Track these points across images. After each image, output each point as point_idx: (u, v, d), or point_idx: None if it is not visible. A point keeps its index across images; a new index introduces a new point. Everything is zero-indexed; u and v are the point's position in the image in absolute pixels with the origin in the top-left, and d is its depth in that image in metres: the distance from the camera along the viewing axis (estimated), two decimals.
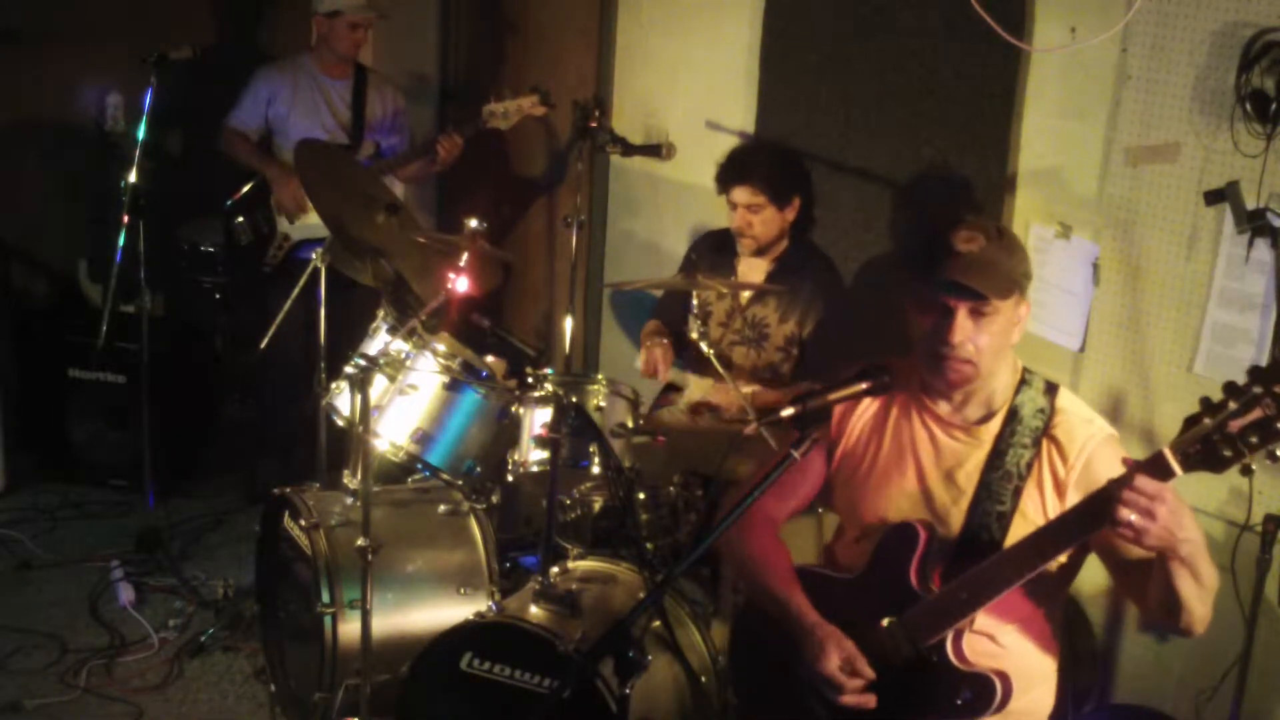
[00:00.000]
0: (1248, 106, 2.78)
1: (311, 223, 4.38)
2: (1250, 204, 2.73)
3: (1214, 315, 2.91)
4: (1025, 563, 2.02)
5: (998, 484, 2.18)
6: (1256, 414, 1.77)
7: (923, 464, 2.28)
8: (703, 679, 2.81)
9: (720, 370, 3.21)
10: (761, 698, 2.43)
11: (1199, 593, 1.97)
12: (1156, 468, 1.86)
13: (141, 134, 4.16)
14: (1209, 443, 1.81)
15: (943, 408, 2.28)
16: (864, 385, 2.19)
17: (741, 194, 3.57)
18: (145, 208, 4.22)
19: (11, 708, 3.27)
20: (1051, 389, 2.24)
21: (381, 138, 4.62)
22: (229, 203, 4.51)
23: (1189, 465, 1.84)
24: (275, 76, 4.53)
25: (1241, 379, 1.80)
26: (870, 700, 2.14)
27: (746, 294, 3.71)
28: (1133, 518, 1.85)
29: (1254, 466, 1.81)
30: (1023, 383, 2.25)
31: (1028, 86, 3.33)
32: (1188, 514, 1.89)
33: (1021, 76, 3.33)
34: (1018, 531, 2.13)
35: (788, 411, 2.21)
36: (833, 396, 2.19)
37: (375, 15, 4.53)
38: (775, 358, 3.66)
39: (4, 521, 4.31)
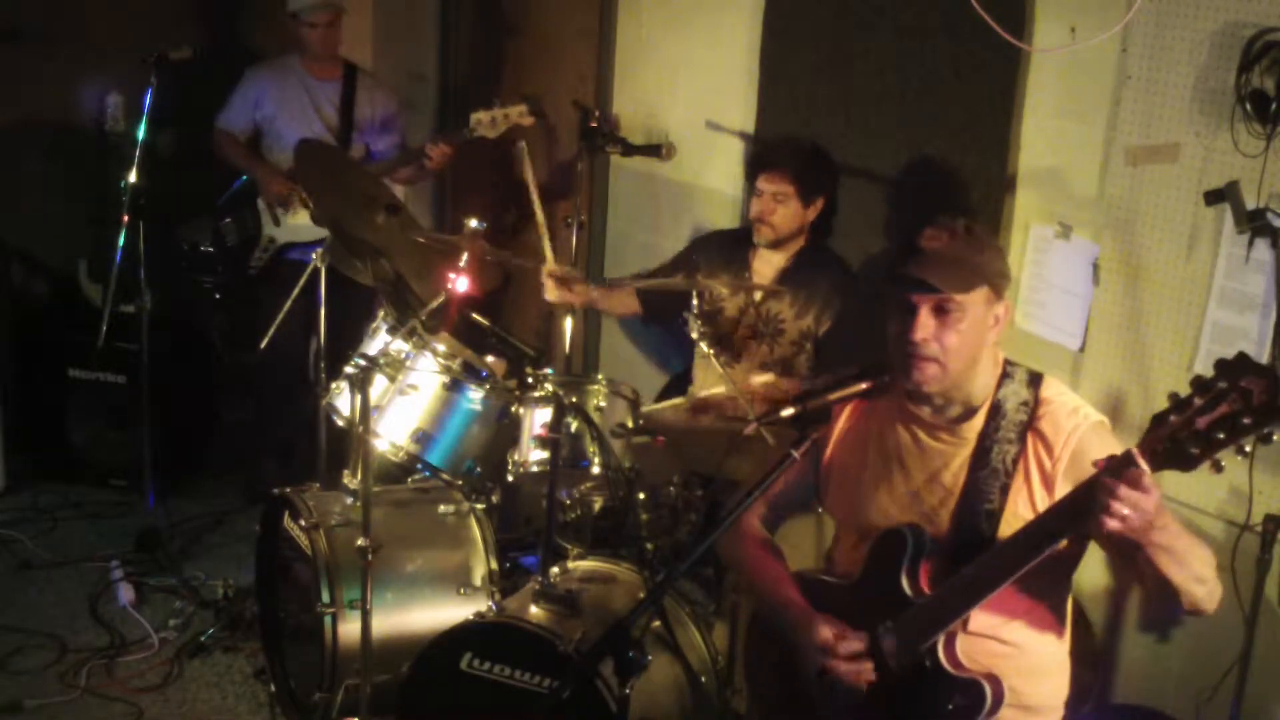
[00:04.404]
0: (1248, 106, 2.77)
1: (299, 224, 4.38)
2: (1250, 204, 2.73)
3: (1214, 315, 2.90)
4: (1011, 563, 1.97)
5: (985, 482, 2.14)
6: (1223, 409, 1.68)
7: (909, 468, 2.25)
8: (703, 679, 2.81)
9: (720, 370, 3.22)
10: (775, 705, 2.41)
11: (1188, 574, 1.93)
12: (1124, 467, 1.78)
13: (141, 134, 4.17)
14: (1176, 440, 1.73)
15: (925, 411, 2.24)
16: (864, 385, 2.19)
17: (770, 181, 3.56)
18: (145, 208, 4.22)
19: (11, 708, 3.27)
20: (1035, 380, 2.19)
21: (370, 140, 4.58)
22: (217, 203, 4.51)
23: (1157, 464, 1.76)
24: (263, 77, 4.52)
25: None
26: (867, 669, 2.12)
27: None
28: (1125, 511, 1.77)
29: (1225, 463, 1.71)
30: (1005, 376, 2.19)
31: (1028, 86, 3.33)
32: (1163, 507, 1.84)
33: (1021, 76, 3.33)
34: (1009, 528, 2.09)
35: (788, 411, 2.21)
36: (833, 396, 2.19)
37: (333, 13, 4.44)
38: (789, 352, 3.65)
39: (4, 521, 4.31)
